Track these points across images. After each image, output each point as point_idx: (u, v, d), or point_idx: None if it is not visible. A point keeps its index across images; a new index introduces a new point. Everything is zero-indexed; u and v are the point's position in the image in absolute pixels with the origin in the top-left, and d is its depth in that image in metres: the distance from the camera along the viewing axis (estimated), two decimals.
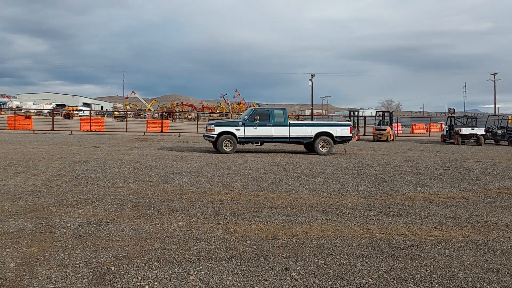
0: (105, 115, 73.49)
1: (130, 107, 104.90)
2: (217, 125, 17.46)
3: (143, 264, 4.55)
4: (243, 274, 4.39)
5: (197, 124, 35.18)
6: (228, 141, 17.14)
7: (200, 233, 5.79)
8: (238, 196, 8.44)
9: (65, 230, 5.73)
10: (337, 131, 18.10)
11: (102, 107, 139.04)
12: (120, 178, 10.14)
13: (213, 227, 6.11)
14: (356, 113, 33.34)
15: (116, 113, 78.32)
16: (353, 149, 21.55)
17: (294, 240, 5.60)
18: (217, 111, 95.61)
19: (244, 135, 17.34)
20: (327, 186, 9.86)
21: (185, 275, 4.30)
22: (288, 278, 4.31)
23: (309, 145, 18.70)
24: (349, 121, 31.65)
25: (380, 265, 4.78)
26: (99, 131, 32.21)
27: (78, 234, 5.59)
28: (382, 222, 6.67)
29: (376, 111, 34.05)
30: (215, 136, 17.16)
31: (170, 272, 4.37)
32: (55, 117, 35.53)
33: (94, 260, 4.62)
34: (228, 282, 4.16)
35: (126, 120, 38.14)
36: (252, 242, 5.45)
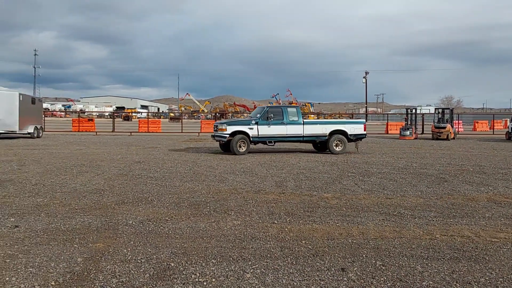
0: (162, 117, 75.93)
1: (185, 109, 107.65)
2: (229, 124, 16.59)
3: (201, 261, 4.66)
4: (299, 273, 4.38)
5: None
6: (242, 141, 16.29)
7: (255, 232, 5.84)
8: (292, 195, 8.43)
9: (127, 227, 5.99)
10: (351, 129, 17.46)
11: (158, 109, 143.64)
12: (177, 178, 10.44)
13: (268, 226, 6.14)
14: (414, 110, 32.22)
15: (171, 114, 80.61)
16: (411, 148, 20.88)
17: (350, 241, 5.52)
18: None
19: (258, 135, 16.52)
20: (383, 186, 9.63)
21: (242, 273, 4.36)
22: (345, 278, 4.26)
23: (321, 144, 17.97)
24: (405, 118, 30.69)
25: (442, 267, 4.60)
26: (156, 132, 33.32)
27: (139, 231, 5.82)
28: (443, 224, 6.42)
29: (435, 108, 32.67)
30: (227, 136, 16.24)
31: (227, 269, 4.45)
32: (115, 119, 37.15)
33: (154, 256, 4.79)
34: (284, 281, 4.17)
35: (181, 121, 39.23)
36: (307, 242, 5.43)
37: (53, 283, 4.02)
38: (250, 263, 4.65)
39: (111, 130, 32.80)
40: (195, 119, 77.76)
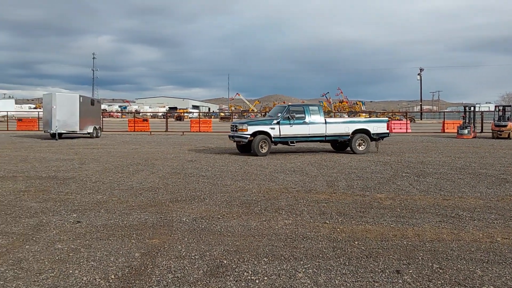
0: (212, 117, 77.19)
1: (235, 108, 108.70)
2: (250, 124, 15.74)
3: (253, 259, 4.71)
4: (352, 274, 4.32)
5: None
6: (264, 141, 15.47)
7: (306, 232, 5.82)
8: (343, 195, 8.32)
9: (181, 224, 6.15)
10: (374, 128, 16.81)
11: (209, 109, 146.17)
12: (228, 177, 10.58)
13: (319, 226, 6.10)
14: (472, 108, 30.75)
15: (222, 114, 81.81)
16: (469, 147, 19.97)
17: (405, 243, 5.36)
18: None
19: (279, 135, 15.70)
20: (440, 186, 9.28)
21: (294, 272, 4.36)
22: (400, 281, 4.15)
23: (340, 144, 17.33)
24: (463, 117, 29.37)
25: (503, 271, 4.38)
26: (207, 131, 33.94)
27: (192, 228, 5.97)
28: (504, 226, 6.09)
29: (495, 106, 31.00)
30: (249, 136, 15.40)
31: (278, 268, 4.46)
32: (168, 119, 38.20)
33: (208, 253, 4.89)
34: (336, 282, 4.13)
35: (232, 121, 39.67)
36: (360, 243, 5.34)
37: (112, 277, 4.21)
38: (302, 262, 4.64)
39: (164, 130, 33.76)
40: (245, 118, 78.38)
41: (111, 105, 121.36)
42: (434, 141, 24.81)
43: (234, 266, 4.51)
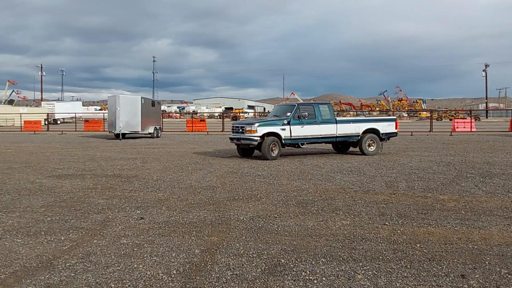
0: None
1: None
2: (261, 125, 14.19)
3: (311, 259, 4.69)
4: (414, 277, 4.19)
5: None
6: (274, 144, 14.13)
7: (365, 233, 5.71)
8: (403, 196, 8.07)
9: (238, 223, 6.24)
10: (383, 127, 15.94)
11: (264, 109, 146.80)
12: (284, 176, 10.59)
13: (379, 228, 5.96)
14: None
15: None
16: None
17: (470, 246, 5.12)
18: (377, 108, 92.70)
19: (290, 136, 14.41)
20: (508, 188, 8.76)
21: (352, 273, 4.30)
22: (466, 286, 3.97)
23: (342, 145, 16.41)
24: None
25: None
26: None
27: (250, 226, 6.04)
28: None
29: None
30: (259, 138, 13.99)
31: (337, 269, 4.41)
32: (224, 120, 38.85)
33: (265, 252, 4.94)
34: (397, 285, 4.02)
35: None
36: (422, 246, 5.16)
37: (174, 272, 4.36)
38: (361, 264, 4.56)
39: (220, 130, 34.33)
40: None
41: (170, 106, 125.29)
42: (501, 140, 23.42)
43: (291, 265, 4.52)
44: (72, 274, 4.30)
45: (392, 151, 16.90)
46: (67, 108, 65.35)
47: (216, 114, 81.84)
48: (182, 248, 5.10)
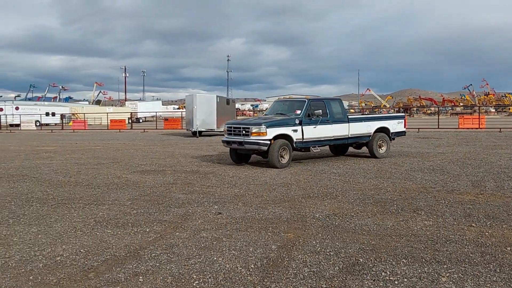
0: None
1: (365, 104, 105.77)
2: (270, 125, 11.65)
3: (391, 260, 4.55)
4: (504, 282, 3.91)
5: (438, 118, 32.93)
6: (284, 148, 11.79)
7: (449, 234, 5.42)
8: (492, 197, 7.54)
9: (314, 220, 6.21)
10: (393, 126, 14.18)
11: None
12: (360, 174, 10.35)
13: (464, 229, 5.63)
14: None
15: (352, 110, 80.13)
16: None
17: None
18: (460, 104, 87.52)
19: (302, 138, 12.09)
20: None
21: (436, 275, 4.10)
22: None
23: (341, 147, 14.31)
24: None
25: None
26: None
27: (326, 224, 5.98)
28: None
29: None
30: (269, 142, 11.50)
31: (419, 270, 4.23)
32: None
33: (343, 251, 4.86)
34: None
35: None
36: None
37: (252, 266, 4.44)
38: (445, 266, 4.34)
39: None
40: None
41: (244, 104, 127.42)
42: None
43: (370, 265, 4.41)
44: (157, 264, 4.54)
45: (478, 149, 15.85)
46: (148, 107, 69.00)
47: None
48: (259, 243, 5.17)
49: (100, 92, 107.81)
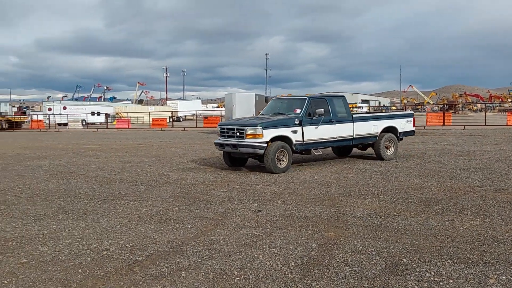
0: (383, 110, 74.63)
1: (408, 101, 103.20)
2: (267, 125, 10.50)
3: (435, 260, 4.43)
4: None
5: (485, 115, 31.67)
6: (282, 151, 10.64)
7: (497, 235, 5.22)
8: None
9: (355, 219, 6.13)
10: (402, 125, 13.10)
11: (379, 102, 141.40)
12: (403, 173, 10.12)
13: None
14: None
15: (393, 107, 78.48)
16: None
17: None
18: (509, 100, 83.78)
19: (303, 140, 11.00)
20: None
21: (483, 277, 3.96)
22: None
23: (344, 148, 13.18)
24: None
25: None
26: None
27: (367, 223, 5.89)
28: None
29: None
30: (266, 145, 10.39)
31: (465, 272, 4.10)
32: None
33: (385, 250, 4.78)
34: None
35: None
36: None
37: (293, 264, 4.44)
38: (493, 268, 4.18)
39: None
40: (419, 111, 73.84)
41: None
42: None
43: (414, 265, 4.31)
44: (199, 260, 4.62)
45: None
46: (188, 106, 70.10)
47: None
48: (299, 242, 5.17)
49: (142, 91, 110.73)
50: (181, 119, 62.27)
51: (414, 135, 14.14)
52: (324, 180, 9.45)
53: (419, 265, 4.32)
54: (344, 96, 12.65)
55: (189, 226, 5.96)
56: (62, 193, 8.57)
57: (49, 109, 55.14)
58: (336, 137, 11.66)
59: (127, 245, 5.17)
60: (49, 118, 48.47)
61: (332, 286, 3.90)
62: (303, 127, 10.97)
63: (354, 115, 12.35)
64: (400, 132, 13.05)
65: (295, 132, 10.84)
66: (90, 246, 5.18)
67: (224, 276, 4.16)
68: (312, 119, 11.10)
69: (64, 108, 56.79)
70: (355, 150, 13.69)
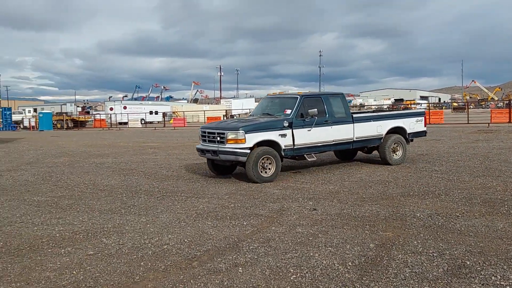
0: (443, 107, 71.68)
1: (470, 97, 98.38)
2: (250, 129, 9.20)
3: (502, 264, 4.21)
4: None
5: None
6: (267, 157, 9.30)
7: None
8: None
9: (415, 220, 5.94)
10: (411, 125, 11.65)
11: (439, 99, 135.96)
12: (466, 172, 9.67)
13: None
14: None
15: (455, 104, 75.04)
16: None
17: None
18: None
19: (293, 145, 9.64)
20: None
21: None
22: None
23: (348, 151, 11.94)
24: None
25: None
26: (438, 123, 31.69)
27: (428, 224, 5.70)
28: None
29: None
30: (248, 151, 9.08)
31: None
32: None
33: (447, 252, 4.60)
34: None
35: (467, 111, 35.96)
36: None
37: (350, 264, 4.38)
38: None
39: None
40: (482, 108, 70.16)
41: None
42: None
43: (479, 268, 4.12)
44: (255, 257, 4.68)
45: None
46: (241, 104, 70.84)
47: (385, 107, 78.86)
48: (356, 241, 5.09)
49: (197, 91, 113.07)
50: (235, 117, 62.99)
51: (426, 136, 12.44)
52: (381, 179, 9.23)
53: (484, 268, 4.12)
54: (342, 94, 11.21)
55: (244, 223, 6.04)
56: (124, 189, 8.96)
57: (111, 109, 57.70)
58: (333, 141, 10.33)
59: (185, 240, 5.33)
60: (110, 118, 50.78)
61: (391, 287, 3.81)
62: (294, 130, 9.66)
63: (354, 115, 11.02)
64: (409, 133, 11.64)
65: (284, 135, 9.53)
66: (151, 240, 5.39)
67: (280, 274, 4.19)
68: (304, 120, 9.79)
69: (125, 107, 59.17)
70: (360, 153, 12.63)
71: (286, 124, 9.56)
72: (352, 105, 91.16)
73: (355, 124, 10.66)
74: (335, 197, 7.54)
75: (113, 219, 6.50)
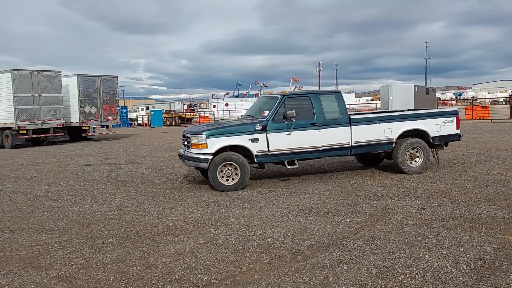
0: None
1: None
2: (213, 133, 8.51)
3: None
4: None
5: None
6: (230, 164, 8.47)
7: None
8: None
9: None
10: (435, 127, 9.49)
11: None
12: None
13: None
14: None
15: None
16: None
17: None
18: None
19: (268, 150, 8.69)
20: None
21: None
22: None
23: (372, 155, 10.34)
24: None
25: None
26: None
27: None
28: None
29: None
30: (209, 157, 8.39)
31: None
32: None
33: None
34: None
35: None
36: None
37: (464, 267, 4.10)
38: None
39: (508, 117, 30.08)
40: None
41: (444, 93, 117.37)
42: None
43: None
44: (360, 255, 4.59)
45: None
46: None
47: (501, 99, 72.01)
48: (470, 244, 4.75)
49: (296, 87, 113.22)
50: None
51: (459, 139, 10.08)
52: (498, 178, 8.48)
53: None
54: (339, 92, 9.79)
55: (347, 220, 5.95)
56: None
57: (214, 106, 60.38)
58: (323, 146, 9.03)
59: (288, 234, 5.40)
60: (214, 114, 53.14)
61: None
62: (268, 134, 8.71)
63: (353, 116, 9.60)
64: (434, 137, 9.66)
65: (255, 140, 8.65)
66: (255, 232, 5.56)
67: (388, 273, 4.06)
68: (283, 123, 8.79)
69: (226, 104, 61.49)
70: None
71: (258, 127, 8.68)
72: (463, 98, 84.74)
73: (353, 126, 9.25)
74: (446, 196, 7.09)
75: (219, 211, 6.82)
